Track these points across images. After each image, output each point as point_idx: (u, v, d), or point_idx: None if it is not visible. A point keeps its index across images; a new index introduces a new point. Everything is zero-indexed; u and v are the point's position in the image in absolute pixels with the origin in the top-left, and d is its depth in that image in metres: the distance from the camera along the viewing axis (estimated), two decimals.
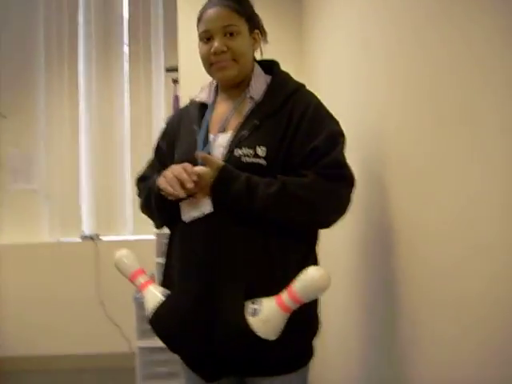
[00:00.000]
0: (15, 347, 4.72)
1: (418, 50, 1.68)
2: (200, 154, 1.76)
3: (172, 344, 1.90)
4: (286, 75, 1.97)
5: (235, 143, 1.79)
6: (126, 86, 4.90)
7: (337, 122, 1.88)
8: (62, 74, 4.91)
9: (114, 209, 4.76)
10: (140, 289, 1.95)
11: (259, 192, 1.71)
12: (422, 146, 1.65)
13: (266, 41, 2.02)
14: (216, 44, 1.83)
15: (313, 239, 1.90)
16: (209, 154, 1.80)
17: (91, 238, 4.67)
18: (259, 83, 1.92)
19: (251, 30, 1.93)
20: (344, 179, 1.81)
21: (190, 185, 1.70)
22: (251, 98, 1.88)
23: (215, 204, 1.76)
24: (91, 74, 4.93)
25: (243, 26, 1.88)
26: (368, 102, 2.26)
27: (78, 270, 4.63)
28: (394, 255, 1.95)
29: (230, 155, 1.77)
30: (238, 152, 1.76)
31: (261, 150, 1.75)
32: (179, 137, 2.00)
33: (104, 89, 4.93)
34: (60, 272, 4.67)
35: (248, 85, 1.92)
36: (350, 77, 2.64)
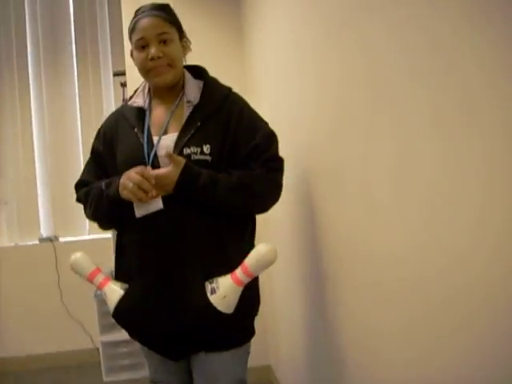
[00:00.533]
0: None
1: (352, 44, 1.76)
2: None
3: (138, 333, 2.08)
4: (216, 80, 2.15)
5: (183, 143, 1.94)
6: (76, 90, 5.00)
7: (266, 122, 2.13)
8: (12, 84, 4.97)
9: (70, 210, 4.80)
10: (99, 287, 2.06)
11: (221, 185, 1.93)
12: (353, 148, 1.78)
13: (189, 49, 2.16)
14: (153, 50, 1.96)
15: (253, 220, 2.15)
16: (155, 154, 1.95)
17: (50, 239, 4.76)
18: (193, 88, 2.07)
19: (181, 38, 2.08)
20: (280, 169, 2.10)
21: (153, 193, 1.89)
22: (189, 101, 2.03)
23: (172, 199, 1.91)
24: (41, 79, 4.99)
25: (175, 34, 2.03)
26: (300, 103, 2.43)
27: (37, 271, 4.72)
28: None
29: (178, 153, 1.92)
30: (187, 151, 1.93)
31: (206, 148, 1.93)
32: (118, 140, 2.10)
33: (54, 93, 5.00)
34: (20, 275, 4.75)
35: (182, 89, 2.08)
36: (282, 78, 2.81)
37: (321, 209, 2.21)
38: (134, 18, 2.05)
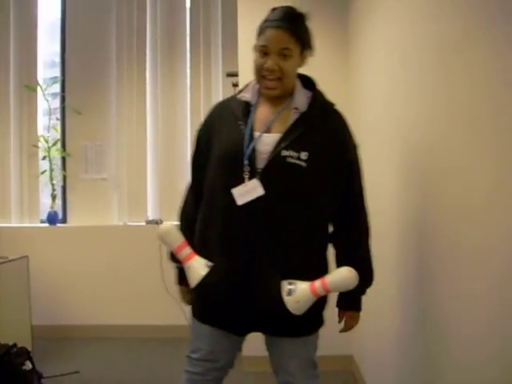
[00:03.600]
0: (86, 317, 5.19)
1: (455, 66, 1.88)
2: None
3: (214, 308, 2.15)
4: (323, 93, 2.21)
5: (283, 145, 2.02)
6: (188, 86, 5.41)
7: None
8: (131, 76, 5.44)
9: (175, 196, 4.97)
10: (185, 260, 2.13)
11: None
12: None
13: (312, 54, 2.22)
14: (270, 62, 2.05)
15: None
16: (254, 148, 2.04)
17: (155, 222, 5.09)
18: (302, 96, 2.14)
19: (302, 52, 2.13)
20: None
21: None
22: (296, 108, 2.12)
23: (271, 188, 2.02)
24: (157, 78, 5.44)
25: (296, 50, 2.09)
26: (403, 114, 2.57)
27: (142, 250, 5.07)
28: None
29: (276, 154, 2.02)
30: (284, 153, 2.00)
31: (303, 155, 2.00)
32: (221, 129, 2.17)
33: (168, 87, 5.46)
34: (126, 252, 5.15)
35: (290, 95, 2.15)
36: (387, 89, 2.93)
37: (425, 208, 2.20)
38: (265, 19, 2.12)
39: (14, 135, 5.49)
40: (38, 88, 5.42)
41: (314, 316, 2.13)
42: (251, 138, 2.06)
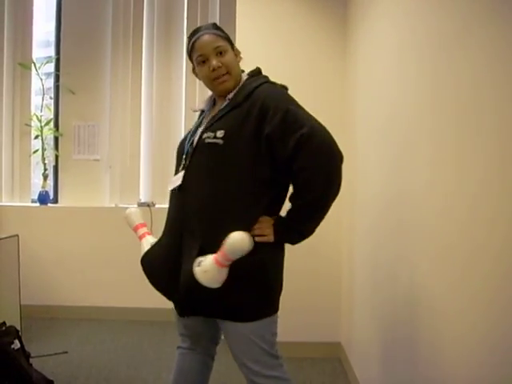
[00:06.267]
0: (75, 298, 5.21)
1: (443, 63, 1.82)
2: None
3: (153, 280, 2.37)
4: (257, 76, 2.35)
5: (204, 130, 2.25)
6: (184, 70, 5.34)
7: (290, 102, 2.16)
8: (126, 57, 5.38)
9: (168, 179, 5.15)
10: (139, 238, 2.40)
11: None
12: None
13: (240, 56, 2.38)
14: (214, 62, 2.24)
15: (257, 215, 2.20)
16: (192, 140, 2.28)
17: (147, 205, 5.08)
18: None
19: (232, 48, 2.33)
20: (310, 137, 2.06)
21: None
22: (228, 99, 2.28)
23: (191, 177, 2.21)
24: (153, 58, 5.39)
25: (227, 46, 2.29)
26: (398, 104, 2.58)
27: (133, 232, 5.04)
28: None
29: (199, 138, 2.24)
30: (204, 135, 2.20)
31: (219, 133, 2.15)
32: None
33: (163, 72, 5.40)
34: (117, 234, 4.98)
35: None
36: (383, 79, 2.97)
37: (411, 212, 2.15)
38: (189, 40, 2.33)
39: (6, 113, 5.44)
40: (32, 66, 5.36)
41: (251, 300, 2.14)
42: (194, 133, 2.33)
